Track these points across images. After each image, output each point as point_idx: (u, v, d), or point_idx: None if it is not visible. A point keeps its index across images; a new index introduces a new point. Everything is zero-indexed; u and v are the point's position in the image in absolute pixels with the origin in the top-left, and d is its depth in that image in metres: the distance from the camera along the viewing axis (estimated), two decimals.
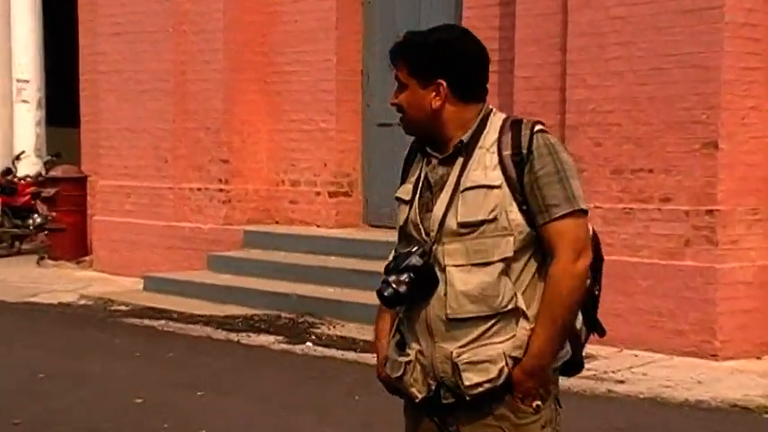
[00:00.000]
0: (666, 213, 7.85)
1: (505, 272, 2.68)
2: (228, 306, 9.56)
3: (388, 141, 10.57)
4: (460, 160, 2.75)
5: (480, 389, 2.68)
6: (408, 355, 2.79)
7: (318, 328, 8.72)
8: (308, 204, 11.09)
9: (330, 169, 10.93)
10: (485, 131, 2.76)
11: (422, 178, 2.82)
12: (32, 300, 10.41)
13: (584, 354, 2.86)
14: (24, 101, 14.07)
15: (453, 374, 2.70)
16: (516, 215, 2.69)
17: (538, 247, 2.72)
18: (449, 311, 2.70)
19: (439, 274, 2.71)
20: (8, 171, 13.92)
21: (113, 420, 6.14)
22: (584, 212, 2.71)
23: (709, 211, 7.65)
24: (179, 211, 11.53)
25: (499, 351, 2.68)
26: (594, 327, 2.85)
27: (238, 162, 11.28)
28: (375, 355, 3.02)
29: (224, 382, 7.07)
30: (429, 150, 2.82)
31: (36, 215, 13.34)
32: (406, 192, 2.85)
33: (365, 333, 7.96)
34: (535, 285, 2.72)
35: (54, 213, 12.82)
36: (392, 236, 10.07)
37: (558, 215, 2.67)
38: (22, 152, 13.99)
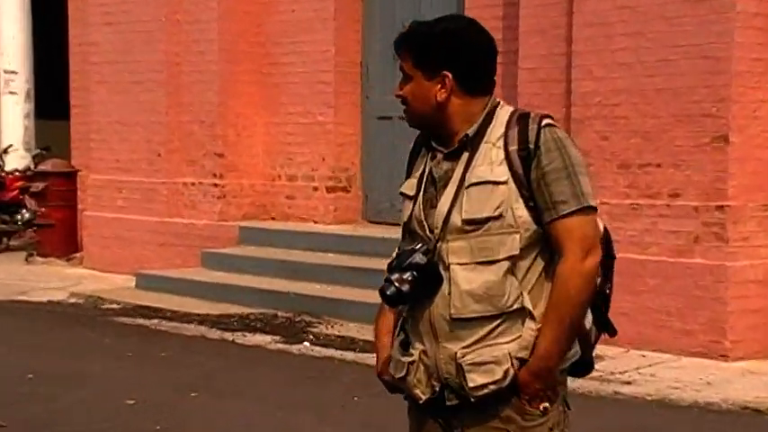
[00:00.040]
0: (675, 209, 7.85)
1: (511, 270, 2.68)
2: (223, 304, 9.56)
3: (388, 135, 10.58)
4: (466, 155, 2.74)
5: (485, 390, 2.68)
6: (412, 355, 2.79)
7: (316, 327, 8.73)
8: (305, 200, 11.10)
9: (328, 163, 10.93)
10: (491, 125, 2.75)
11: (426, 173, 2.81)
12: (21, 298, 10.41)
13: (594, 354, 2.86)
14: (12, 92, 14.04)
15: (457, 376, 2.70)
16: (523, 212, 2.68)
17: (545, 245, 2.71)
18: (453, 311, 2.69)
19: (443, 272, 2.71)
20: None
21: (104, 422, 6.14)
22: (592, 209, 2.70)
23: (720, 207, 7.65)
24: (172, 207, 11.53)
25: (505, 352, 2.68)
26: (605, 326, 2.85)
27: (233, 156, 11.28)
28: (375, 355, 3.03)
29: (219, 382, 7.07)
30: (434, 144, 2.82)
31: (24, 210, 13.33)
32: (410, 187, 2.85)
33: (364, 332, 7.97)
34: (542, 284, 2.71)
35: (43, 209, 12.82)
36: (392, 232, 10.03)
37: (565, 212, 2.66)
38: (10, 146, 13.97)
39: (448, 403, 2.74)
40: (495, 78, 2.81)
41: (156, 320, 9.22)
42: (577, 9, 8.35)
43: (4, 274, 11.83)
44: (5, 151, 13.98)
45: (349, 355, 7.76)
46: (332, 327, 8.70)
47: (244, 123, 11.31)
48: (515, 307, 2.68)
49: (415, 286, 2.70)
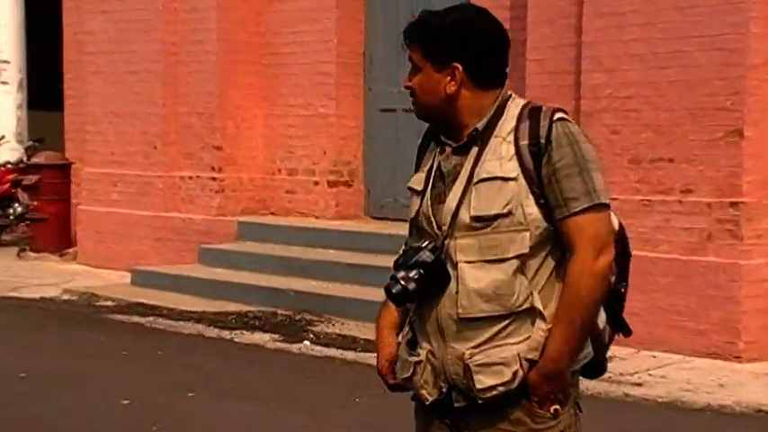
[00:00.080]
0: (688, 206, 7.84)
1: (521, 269, 2.68)
2: (221, 302, 9.56)
3: (392, 128, 10.58)
4: (475, 150, 2.74)
5: (493, 392, 2.68)
6: (419, 355, 2.79)
7: (316, 325, 8.73)
8: (305, 194, 11.10)
9: (329, 157, 10.93)
10: (501, 119, 2.74)
11: (435, 168, 2.81)
12: (12, 294, 10.41)
13: (608, 355, 2.85)
14: (4, 82, 14.04)
15: (465, 377, 2.70)
16: (533, 209, 2.67)
17: (556, 244, 2.70)
18: (460, 310, 2.69)
19: (450, 270, 2.70)
20: None
21: (99, 423, 6.14)
22: (605, 206, 2.69)
23: (734, 204, 7.65)
24: (169, 201, 11.53)
25: (513, 353, 2.67)
26: (620, 326, 2.84)
27: (232, 149, 11.28)
28: (376, 354, 3.02)
29: (216, 382, 7.08)
30: (443, 138, 2.81)
31: (17, 204, 13.33)
32: (418, 181, 2.84)
33: (366, 331, 7.97)
34: (553, 284, 2.71)
35: (36, 202, 12.82)
36: (395, 228, 10.06)
37: (577, 209, 2.65)
38: (2, 137, 13.97)
39: (455, 405, 2.74)
40: (507, 71, 2.80)
41: (151, 318, 9.22)
42: None
43: None
44: None
45: (350, 355, 7.77)
46: (333, 325, 8.70)
47: (243, 115, 11.31)
48: (525, 307, 2.68)
49: (421, 285, 2.70)
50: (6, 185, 13.47)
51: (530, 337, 2.68)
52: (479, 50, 2.73)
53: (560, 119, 2.70)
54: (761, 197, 7.70)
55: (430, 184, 2.80)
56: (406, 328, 2.88)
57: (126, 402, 6.48)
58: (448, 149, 2.79)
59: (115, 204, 12.02)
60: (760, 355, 7.58)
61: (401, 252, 2.80)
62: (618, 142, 8.17)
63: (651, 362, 7.56)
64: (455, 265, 2.70)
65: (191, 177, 11.42)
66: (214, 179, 11.24)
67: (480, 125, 2.75)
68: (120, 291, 10.41)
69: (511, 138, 2.71)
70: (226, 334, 8.56)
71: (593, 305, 2.68)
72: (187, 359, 7.80)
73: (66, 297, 10.31)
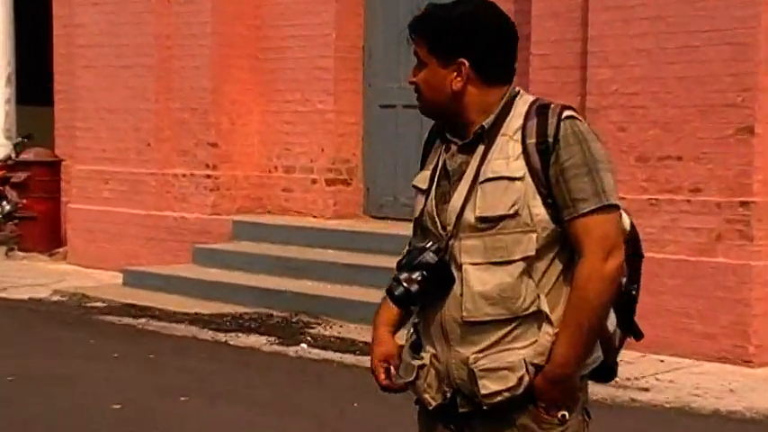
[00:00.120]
0: (696, 205, 7.84)
1: (527, 272, 2.67)
2: (216, 303, 9.56)
3: (392, 124, 10.57)
4: (481, 148, 2.73)
5: (498, 398, 2.68)
6: (422, 358, 2.80)
7: (314, 328, 8.73)
8: (303, 193, 11.09)
9: (328, 155, 10.92)
10: (509, 117, 2.74)
11: (440, 166, 2.80)
12: (0, 295, 10.41)
13: (618, 359, 2.85)
14: None
15: (469, 382, 2.70)
16: (540, 210, 2.67)
17: (564, 245, 2.70)
18: (464, 313, 2.69)
19: (455, 272, 2.70)
20: None
21: (89, 428, 6.14)
22: (615, 208, 2.68)
23: (744, 203, 7.65)
24: (162, 200, 11.53)
25: (519, 358, 2.67)
26: (631, 329, 2.84)
27: (227, 146, 11.28)
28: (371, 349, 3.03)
29: (210, 386, 7.07)
30: (448, 136, 2.81)
31: (5, 202, 13.32)
32: (423, 180, 2.84)
33: (365, 334, 7.95)
34: (561, 287, 2.70)
35: (24, 200, 12.81)
36: (395, 228, 10.04)
37: (585, 210, 2.65)
38: None
39: (460, 410, 2.74)
40: (516, 67, 2.80)
41: (143, 320, 9.22)
42: None
43: None
44: None
45: (349, 358, 7.77)
46: (330, 328, 8.70)
47: (238, 111, 11.30)
48: (531, 310, 2.68)
49: (424, 286, 2.70)
50: None
51: (536, 341, 2.68)
52: (487, 46, 2.72)
53: (569, 117, 2.69)
54: None
55: (435, 183, 2.80)
56: (410, 330, 2.88)
57: (117, 407, 6.48)
58: (453, 147, 2.79)
59: (106, 203, 12.01)
60: None
61: (405, 252, 2.80)
62: (624, 140, 8.17)
63: (659, 366, 7.55)
64: (459, 267, 2.70)
65: (184, 175, 11.41)
66: (208, 177, 11.23)
67: (487, 123, 2.74)
68: (111, 291, 10.40)
69: (518, 136, 2.70)
70: (220, 336, 8.56)
71: (601, 309, 2.68)
72: (180, 362, 7.79)
73: (55, 298, 10.31)
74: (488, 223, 2.67)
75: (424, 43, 2.76)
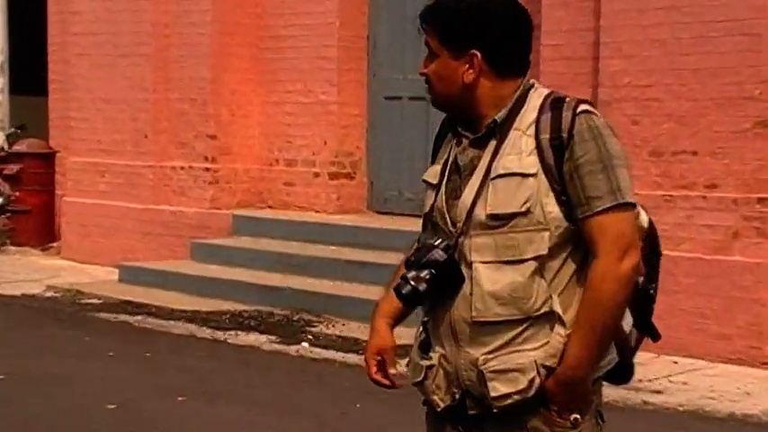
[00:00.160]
0: (712, 202, 7.83)
1: (539, 271, 2.67)
2: (214, 300, 9.57)
3: (397, 116, 10.57)
4: (493, 143, 2.72)
5: (508, 400, 2.68)
6: (431, 358, 2.80)
7: (315, 326, 8.73)
8: (305, 187, 11.09)
9: (331, 147, 10.92)
10: (522, 110, 2.73)
11: (451, 160, 2.80)
12: None
13: (635, 360, 2.85)
14: None
15: (479, 383, 2.70)
16: (553, 208, 2.66)
17: (578, 244, 2.69)
18: (474, 313, 2.69)
19: (465, 270, 2.70)
20: None
21: (83, 429, 6.14)
22: (630, 206, 2.67)
23: (761, 200, 7.64)
24: (159, 193, 11.54)
25: (530, 359, 2.67)
26: (648, 330, 2.84)
27: (227, 138, 11.28)
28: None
29: (208, 386, 7.08)
30: (460, 129, 2.80)
31: None
32: (433, 174, 2.83)
33: (368, 333, 7.95)
34: (574, 287, 2.70)
35: (17, 193, 12.82)
36: (399, 223, 9.99)
37: (599, 209, 2.64)
38: None
39: (469, 412, 2.74)
40: (530, 58, 2.79)
41: (140, 317, 9.23)
42: None
43: None
44: None
45: (351, 358, 7.77)
46: (333, 326, 8.70)
47: (238, 102, 11.30)
48: (543, 311, 2.67)
49: (433, 285, 2.69)
50: None
51: (548, 342, 2.68)
52: (500, 36, 2.71)
53: (584, 111, 2.68)
54: None
55: (445, 178, 2.79)
56: (419, 329, 2.88)
57: (112, 407, 6.49)
58: (465, 141, 2.78)
59: (102, 196, 12.02)
60: None
61: (414, 249, 2.79)
62: (638, 133, 8.16)
63: (672, 367, 7.55)
64: (469, 265, 2.69)
65: (183, 168, 11.42)
66: (207, 170, 11.24)
67: (499, 117, 2.73)
68: (106, 288, 10.41)
69: (531, 131, 2.69)
70: (219, 335, 8.57)
71: (615, 310, 2.67)
72: (178, 361, 7.80)
73: (49, 294, 10.32)
74: (500, 221, 2.66)
75: (435, 34, 2.75)
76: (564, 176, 2.65)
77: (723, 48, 7.79)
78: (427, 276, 2.69)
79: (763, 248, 7.61)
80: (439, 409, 2.79)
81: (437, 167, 2.83)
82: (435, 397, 2.79)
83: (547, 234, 2.66)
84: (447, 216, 2.75)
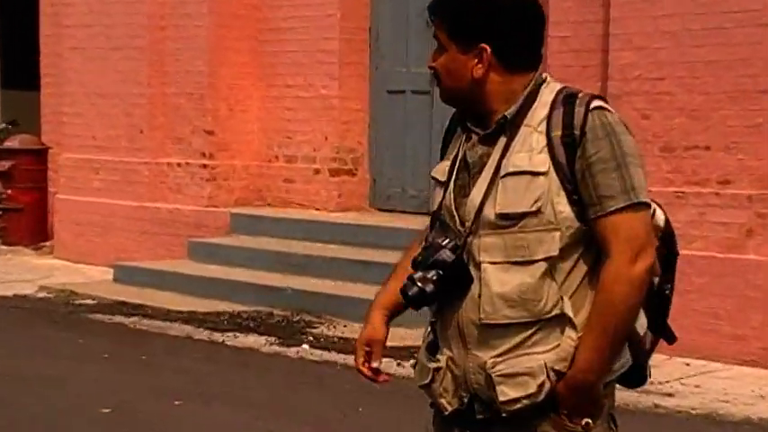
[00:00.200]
0: (725, 198, 7.83)
1: (550, 272, 2.65)
2: (212, 301, 9.57)
3: (400, 111, 10.56)
4: (503, 139, 2.71)
5: (518, 405, 2.67)
6: (438, 361, 2.79)
7: (316, 327, 8.74)
8: (305, 184, 11.09)
9: (331, 143, 10.92)
10: (533, 106, 2.72)
11: (459, 157, 2.79)
12: None
13: (650, 363, 2.84)
14: None
15: (487, 387, 2.70)
16: (565, 207, 2.65)
17: (590, 245, 2.68)
18: (482, 315, 2.68)
19: (473, 271, 2.69)
20: None
21: None
22: (644, 206, 2.66)
23: None
24: (155, 190, 11.54)
25: (540, 363, 2.66)
26: (663, 332, 2.84)
27: (225, 134, 11.28)
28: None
29: (206, 388, 7.08)
30: (469, 125, 2.79)
31: None
32: (442, 171, 2.82)
33: None
34: (586, 289, 2.69)
35: (9, 191, 12.83)
36: (402, 221, 9.98)
37: (612, 209, 2.62)
38: None
39: (478, 416, 2.74)
40: (542, 52, 2.77)
41: (135, 318, 9.23)
42: None
43: None
44: None
45: (352, 360, 7.74)
46: (334, 327, 8.71)
47: (236, 97, 11.30)
48: (554, 313, 2.66)
49: (440, 286, 2.68)
50: None
51: (558, 345, 2.67)
52: (510, 30, 2.70)
53: (598, 107, 2.66)
54: None
55: (454, 175, 2.78)
56: (427, 329, 2.88)
57: (107, 411, 6.49)
58: (474, 137, 2.77)
59: (96, 193, 12.02)
60: None
61: (421, 248, 2.78)
62: (649, 128, 8.15)
63: (684, 370, 7.55)
64: (478, 266, 2.69)
65: (179, 164, 11.42)
66: (205, 166, 11.24)
67: (510, 113, 2.72)
68: (101, 288, 10.42)
69: (542, 127, 2.68)
70: (217, 336, 8.57)
71: (628, 313, 2.66)
72: (174, 363, 7.80)
73: (42, 294, 10.33)
74: (509, 220, 2.65)
75: (443, 27, 2.74)
76: (576, 175, 2.64)
77: (736, 39, 7.79)
78: (434, 277, 2.68)
79: None
80: (446, 413, 2.79)
81: (446, 164, 2.82)
82: (443, 400, 2.78)
83: (558, 234, 2.64)
84: (456, 215, 2.74)
